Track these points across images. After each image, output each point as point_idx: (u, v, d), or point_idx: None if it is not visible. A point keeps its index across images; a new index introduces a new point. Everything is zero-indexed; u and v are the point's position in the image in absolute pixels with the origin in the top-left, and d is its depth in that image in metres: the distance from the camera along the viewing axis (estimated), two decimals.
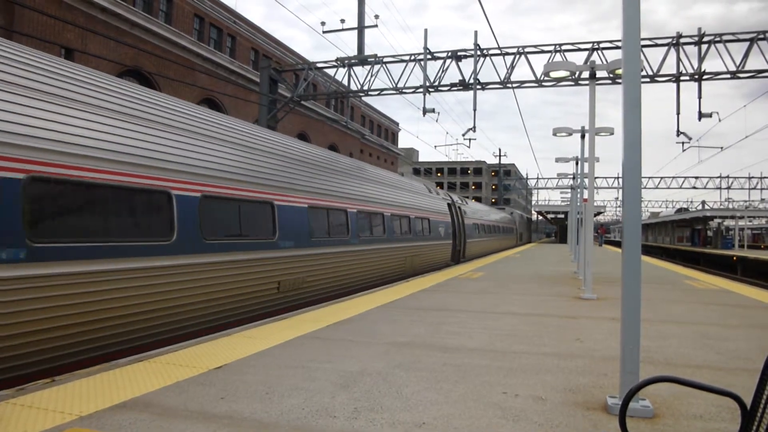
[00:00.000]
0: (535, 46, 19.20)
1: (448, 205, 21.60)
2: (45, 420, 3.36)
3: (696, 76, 17.84)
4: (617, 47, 18.12)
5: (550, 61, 16.48)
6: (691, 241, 52.38)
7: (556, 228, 67.05)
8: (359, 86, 20.97)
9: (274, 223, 8.65)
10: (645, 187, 58.17)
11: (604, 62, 17.09)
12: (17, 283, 4.75)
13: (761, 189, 57.65)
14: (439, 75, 19.98)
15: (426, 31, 19.77)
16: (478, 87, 19.63)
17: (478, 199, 79.12)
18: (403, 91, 20.40)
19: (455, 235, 21.65)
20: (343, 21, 21.08)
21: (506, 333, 6.47)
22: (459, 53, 19.78)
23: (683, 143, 20.04)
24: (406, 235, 15.26)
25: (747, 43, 17.32)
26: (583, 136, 14.21)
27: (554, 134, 14.11)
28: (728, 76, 17.57)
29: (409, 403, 3.83)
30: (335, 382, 4.31)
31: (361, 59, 20.54)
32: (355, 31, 20.41)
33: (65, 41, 20.43)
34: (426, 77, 19.79)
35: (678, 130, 19.37)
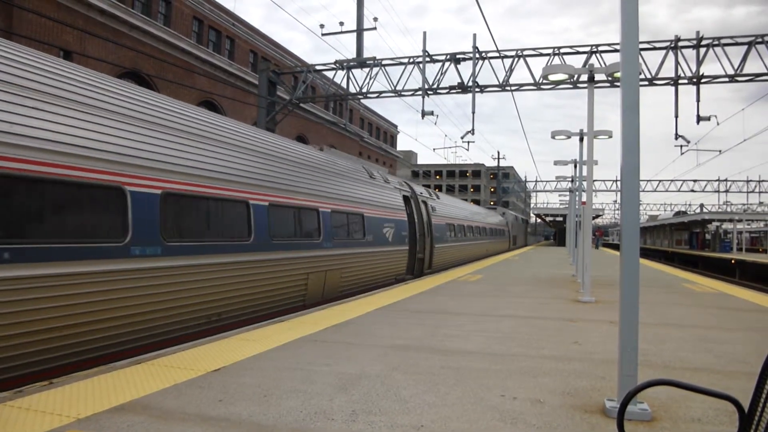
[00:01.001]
0: (533, 49, 19.25)
1: (405, 197, 16.47)
2: (42, 422, 3.35)
3: (694, 80, 17.91)
4: (616, 50, 18.17)
5: (549, 64, 16.53)
6: (690, 244, 52.50)
7: (554, 231, 66.87)
8: (358, 89, 21.00)
9: None
10: (643, 190, 58.20)
11: (603, 65, 17.21)
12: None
13: (759, 192, 57.67)
14: (437, 78, 20.02)
15: (425, 34, 19.83)
16: (477, 90, 19.68)
17: (476, 202, 79.05)
18: (402, 93, 20.43)
19: (415, 239, 16.54)
20: (342, 24, 21.17)
21: (504, 336, 6.47)
22: (458, 56, 19.83)
23: (682, 146, 20.15)
24: (310, 238, 10.18)
25: (745, 47, 17.41)
26: (581, 139, 14.21)
27: (553, 137, 14.13)
28: (726, 79, 17.63)
29: (407, 405, 3.83)
30: (333, 384, 4.30)
31: (360, 62, 20.58)
32: (354, 34, 20.47)
33: (64, 43, 20.44)
34: (425, 80, 19.83)
35: (676, 134, 19.45)
